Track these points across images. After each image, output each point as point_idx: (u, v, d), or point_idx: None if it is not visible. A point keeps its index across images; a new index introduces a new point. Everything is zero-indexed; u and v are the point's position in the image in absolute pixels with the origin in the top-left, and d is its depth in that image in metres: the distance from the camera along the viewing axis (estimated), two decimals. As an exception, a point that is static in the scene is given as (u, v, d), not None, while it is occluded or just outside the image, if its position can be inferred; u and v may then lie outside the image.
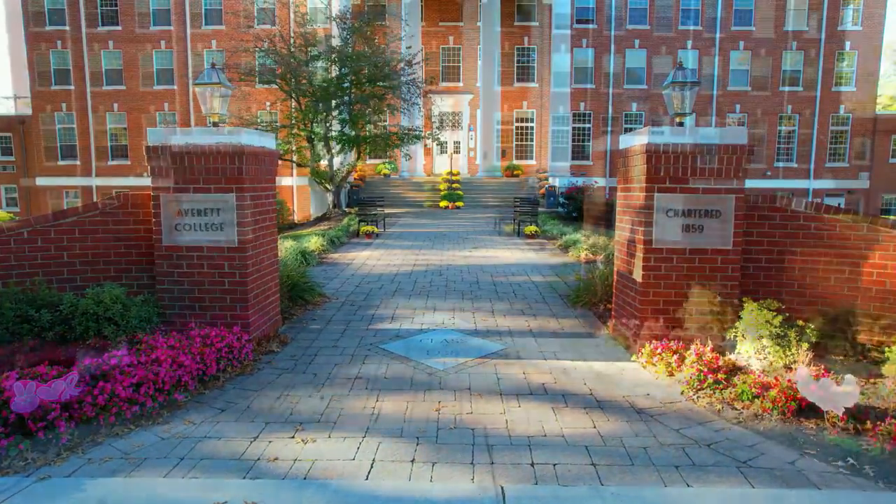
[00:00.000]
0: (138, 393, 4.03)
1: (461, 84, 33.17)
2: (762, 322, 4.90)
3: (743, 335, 5.12)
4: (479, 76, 31.78)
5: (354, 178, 29.00)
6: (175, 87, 33.04)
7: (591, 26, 32.92)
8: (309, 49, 21.83)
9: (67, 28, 32.39)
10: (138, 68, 32.84)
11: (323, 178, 23.09)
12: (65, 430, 3.58)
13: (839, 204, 34.80)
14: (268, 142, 6.21)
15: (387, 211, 22.53)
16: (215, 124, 5.91)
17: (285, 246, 10.94)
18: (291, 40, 22.59)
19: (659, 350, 5.16)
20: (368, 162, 32.69)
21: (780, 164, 33.86)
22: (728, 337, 5.32)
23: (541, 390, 4.70)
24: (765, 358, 4.90)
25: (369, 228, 14.61)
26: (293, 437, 3.88)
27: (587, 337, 6.22)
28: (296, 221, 25.69)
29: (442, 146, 32.81)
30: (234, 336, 5.20)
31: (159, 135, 5.56)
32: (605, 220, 23.32)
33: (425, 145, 32.27)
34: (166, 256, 5.59)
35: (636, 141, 5.66)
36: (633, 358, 5.45)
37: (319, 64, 22.82)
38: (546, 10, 31.68)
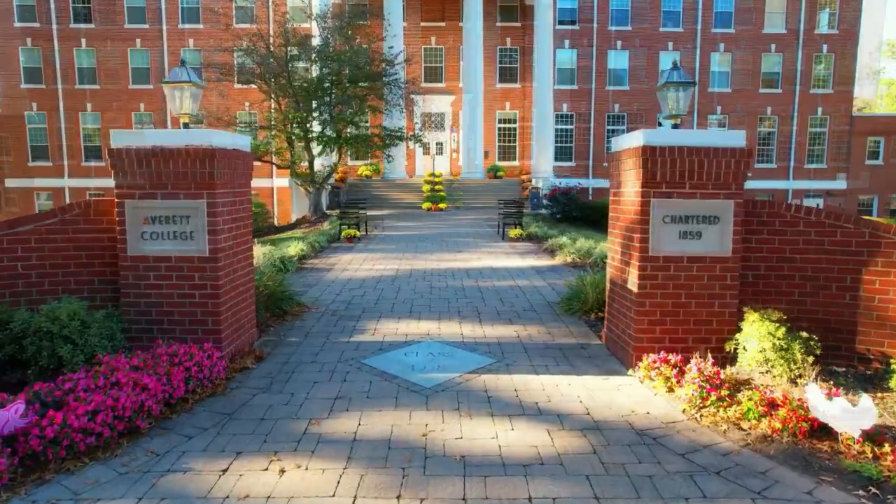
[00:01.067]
0: (94, 422, 3.65)
1: (444, 85, 32.90)
2: (764, 333, 4.67)
3: (744, 347, 4.89)
4: (462, 77, 31.52)
5: (336, 180, 28.53)
6: (151, 87, 32.25)
7: (573, 27, 32.88)
8: (289, 48, 21.36)
9: (38, 25, 31.43)
10: (113, 67, 31.99)
11: (304, 179, 22.63)
12: (6, 469, 3.19)
13: (818, 205, 35.20)
14: (241, 143, 5.84)
15: (369, 213, 22.15)
16: (186, 125, 5.53)
17: (263, 252, 10.54)
18: (270, 39, 22.09)
19: (657, 364, 4.91)
20: (350, 163, 32.26)
21: (760, 165, 34.12)
22: (728, 349, 5.09)
23: (534, 410, 4.41)
24: (768, 371, 4.67)
25: (351, 232, 14.23)
26: (267, 468, 3.54)
27: (580, 348, 5.95)
28: (276, 225, 25.18)
29: (425, 147, 32.45)
30: (204, 353, 4.82)
31: (123, 136, 5.16)
32: (590, 221, 23.20)
33: (408, 146, 31.91)
34: (132, 267, 5.20)
35: (630, 142, 5.40)
36: (630, 372, 5.19)
37: (300, 64, 22.37)
38: (529, 11, 31.53)
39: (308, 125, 21.74)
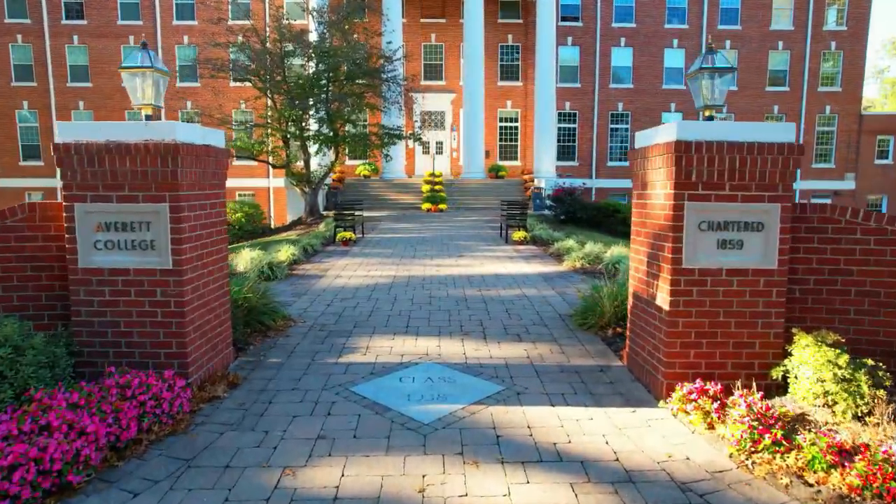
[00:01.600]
0: (10, 480, 2.94)
1: (444, 83, 32.20)
2: (823, 361, 3.96)
3: (796, 375, 4.18)
4: (462, 75, 30.82)
5: (333, 180, 27.84)
6: (144, 85, 31.49)
7: (576, 24, 32.17)
8: (284, 44, 20.65)
9: (28, 21, 30.71)
10: (106, 64, 31.27)
11: (299, 180, 21.92)
12: None
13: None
14: (213, 138, 5.13)
15: (366, 214, 21.45)
16: (148, 117, 4.83)
17: (251, 257, 9.84)
18: (266, 34, 21.39)
19: (693, 395, 4.20)
20: (348, 163, 31.56)
21: (767, 165, 33.36)
22: (775, 376, 4.38)
23: (553, 454, 3.70)
24: (827, 405, 3.96)
25: (346, 235, 13.52)
26: (224, 540, 2.83)
27: (599, 371, 5.24)
28: (271, 226, 24.48)
29: (424, 146, 31.74)
30: (164, 384, 4.11)
31: (72, 129, 4.45)
32: (594, 223, 22.50)
33: (407, 146, 31.22)
34: (84, 281, 4.49)
35: (661, 137, 4.70)
36: (661, 404, 4.48)
37: (295, 60, 21.68)
38: (531, 7, 30.82)
39: (303, 123, 21.03)
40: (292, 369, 5.25)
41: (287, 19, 21.06)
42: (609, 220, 21.75)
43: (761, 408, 3.83)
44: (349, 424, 4.12)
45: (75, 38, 31.13)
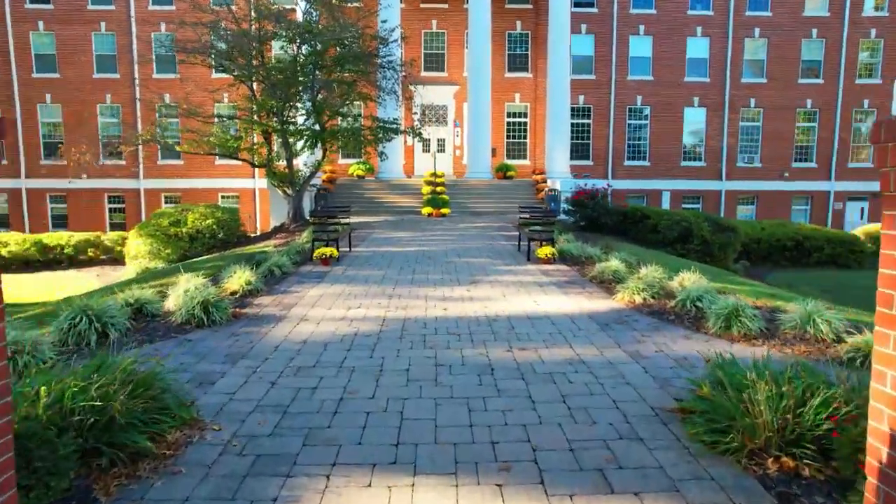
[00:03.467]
0: None
1: (446, 74, 29.35)
2: None
3: None
4: (466, 65, 27.99)
5: (323, 181, 25.00)
6: (118, 76, 28.71)
7: (591, 10, 29.33)
8: (262, 23, 17.81)
9: (-14, 5, 27.86)
10: (75, 53, 28.41)
11: (282, 180, 19.08)
12: None
13: (862, 209, 31.62)
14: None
15: (359, 220, 18.65)
16: None
17: (187, 289, 6.99)
18: (246, 14, 18.53)
19: None
20: (341, 162, 28.74)
21: (799, 165, 30.60)
22: None
23: None
24: None
25: (326, 251, 10.62)
26: None
27: None
28: (249, 234, 21.62)
29: (425, 144, 28.92)
30: None
31: None
32: (619, 231, 19.69)
33: (406, 143, 28.36)
34: None
35: None
36: None
37: (277, 43, 18.85)
38: (542, -10, 27.99)
39: (286, 115, 18.18)
40: None
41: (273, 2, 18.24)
42: (636, 227, 18.91)
43: None
44: None
45: (41, 24, 28.28)
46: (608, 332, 6.31)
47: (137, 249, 17.08)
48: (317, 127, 18.81)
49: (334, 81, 18.23)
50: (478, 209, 23.01)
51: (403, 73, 19.39)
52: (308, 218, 20.27)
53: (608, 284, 8.68)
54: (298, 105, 18.65)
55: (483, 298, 8.00)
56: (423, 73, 28.15)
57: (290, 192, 19.15)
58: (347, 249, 12.74)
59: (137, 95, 28.55)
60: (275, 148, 19.57)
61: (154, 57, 28.45)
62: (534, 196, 24.59)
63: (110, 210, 29.56)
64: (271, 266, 9.62)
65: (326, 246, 10.87)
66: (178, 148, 19.82)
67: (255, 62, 17.53)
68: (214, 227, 17.41)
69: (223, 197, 29.56)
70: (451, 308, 7.43)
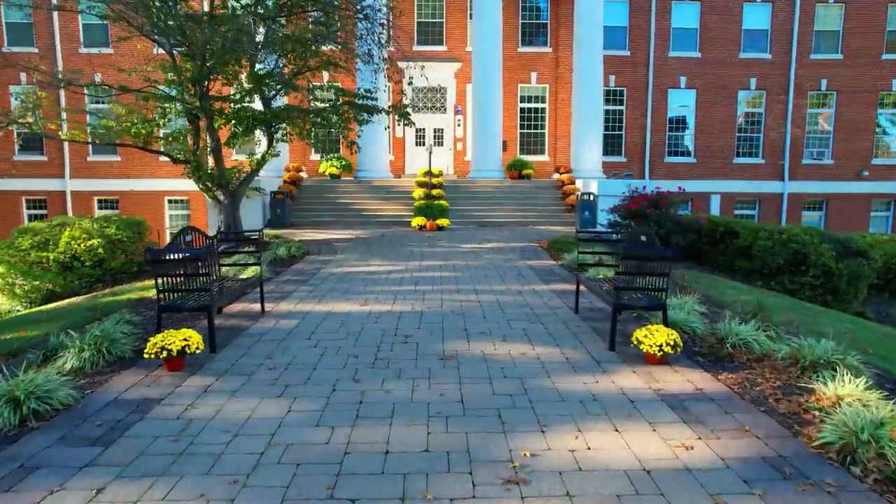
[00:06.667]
0: None
1: (445, 48, 23.56)
2: None
3: None
4: (470, 38, 22.19)
5: (285, 181, 19.26)
6: (36, 50, 22.98)
7: (626, -32, 23.55)
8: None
9: None
10: (-16, 24, 22.69)
11: (210, 180, 13.32)
12: None
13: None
14: None
15: (321, 236, 12.88)
16: None
17: None
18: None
19: None
20: (313, 158, 23.02)
21: (879, 161, 24.81)
22: None
23: None
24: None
25: (176, 342, 4.79)
26: None
27: None
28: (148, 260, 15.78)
29: (418, 135, 23.10)
30: None
31: None
32: (693, 253, 13.95)
33: (394, 133, 22.55)
34: None
35: None
36: None
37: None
38: (567, -61, 22.19)
39: (206, 86, 12.42)
40: None
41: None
42: (716, 248, 13.09)
43: None
44: None
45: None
46: None
47: (-16, 283, 11.39)
48: (257, 105, 13.08)
49: (283, 38, 12.47)
50: (487, 219, 17.23)
51: (386, 22, 13.54)
52: (264, 229, 14.49)
53: (831, 449, 2.88)
54: (231, 74, 12.92)
55: None
56: (417, 48, 22.39)
57: (221, 197, 13.40)
58: (259, 309, 6.97)
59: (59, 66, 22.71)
60: (205, 137, 13.76)
61: (80, 27, 22.70)
62: (560, 202, 18.80)
63: (30, 217, 23.78)
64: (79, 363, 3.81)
65: (176, 334, 5.02)
66: (43, 134, 13.91)
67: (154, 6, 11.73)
68: (101, 250, 11.62)
69: (170, 201, 23.82)
70: None
